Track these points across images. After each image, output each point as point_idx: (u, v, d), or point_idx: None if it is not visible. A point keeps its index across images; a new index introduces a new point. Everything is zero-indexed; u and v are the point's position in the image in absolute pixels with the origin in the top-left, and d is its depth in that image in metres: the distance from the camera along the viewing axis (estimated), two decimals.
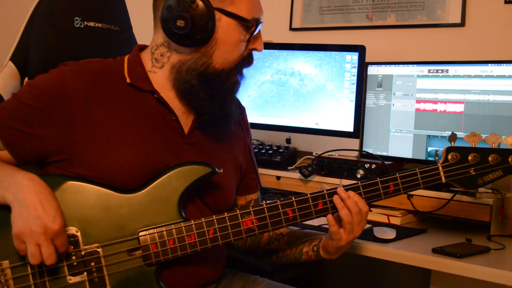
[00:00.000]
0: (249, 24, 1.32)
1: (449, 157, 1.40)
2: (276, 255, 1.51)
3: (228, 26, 1.31)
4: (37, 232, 1.16)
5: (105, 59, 1.40)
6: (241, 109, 1.56)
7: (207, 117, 1.36)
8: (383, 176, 1.38)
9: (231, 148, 1.48)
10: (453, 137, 1.42)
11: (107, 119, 1.30)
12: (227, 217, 1.30)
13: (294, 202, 1.33)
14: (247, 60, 1.37)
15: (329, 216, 1.34)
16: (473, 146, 1.41)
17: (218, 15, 1.30)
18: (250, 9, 1.32)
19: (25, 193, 1.18)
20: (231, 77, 1.35)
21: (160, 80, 1.37)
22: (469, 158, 1.40)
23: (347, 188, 1.35)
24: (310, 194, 1.34)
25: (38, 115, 1.28)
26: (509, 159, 1.40)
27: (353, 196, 1.33)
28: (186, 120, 1.38)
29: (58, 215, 1.19)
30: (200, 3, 1.28)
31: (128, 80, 1.35)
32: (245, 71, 1.38)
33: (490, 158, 1.40)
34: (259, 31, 1.36)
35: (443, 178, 1.39)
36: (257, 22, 1.34)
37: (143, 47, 1.43)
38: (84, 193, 1.26)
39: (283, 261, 1.51)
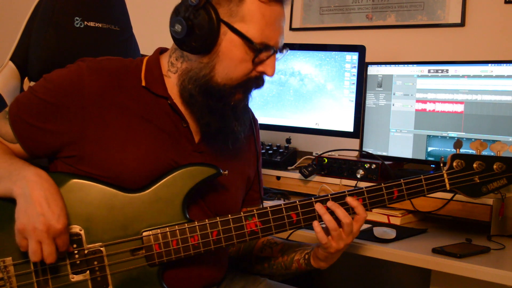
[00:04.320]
0: (254, 47, 1.26)
1: (454, 164, 1.39)
2: (268, 262, 1.50)
3: (232, 42, 1.26)
4: (40, 230, 1.16)
5: (125, 59, 1.40)
6: (255, 121, 1.55)
7: (205, 129, 1.34)
8: (388, 182, 1.37)
9: (241, 159, 1.47)
10: (458, 144, 1.41)
11: (118, 119, 1.30)
12: (231, 219, 1.30)
13: (298, 205, 1.33)
14: (254, 81, 1.31)
15: (315, 222, 1.32)
16: (478, 153, 1.41)
17: (224, 28, 1.26)
18: (262, 32, 1.26)
19: (32, 188, 1.18)
20: (234, 94, 1.31)
21: (173, 85, 1.36)
22: (474, 165, 1.39)
23: (351, 193, 1.35)
24: (315, 198, 1.34)
25: (52, 110, 1.28)
26: None
27: (337, 208, 1.31)
28: (197, 129, 1.37)
29: (63, 214, 1.19)
30: (203, 13, 1.24)
31: (143, 83, 1.35)
32: (253, 91, 1.34)
33: (495, 166, 1.40)
34: (272, 57, 1.30)
35: (447, 186, 1.39)
36: (267, 47, 1.27)
37: (164, 50, 1.41)
38: (88, 192, 1.27)
39: (273, 270, 1.50)
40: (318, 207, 1.32)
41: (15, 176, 1.21)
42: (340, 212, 1.31)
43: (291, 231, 1.66)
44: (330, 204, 1.32)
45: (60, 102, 1.28)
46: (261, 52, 1.27)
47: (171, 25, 1.29)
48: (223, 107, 1.32)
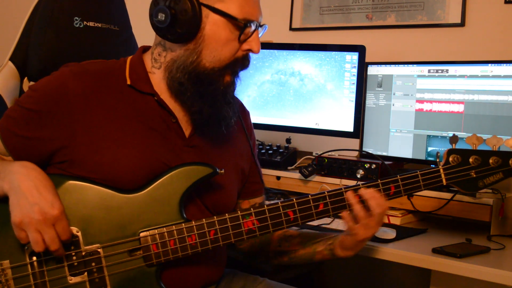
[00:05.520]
0: (239, 23, 1.28)
1: (450, 159, 1.39)
2: (288, 256, 1.50)
3: (216, 23, 1.28)
4: (36, 219, 1.16)
5: (107, 60, 1.40)
6: (245, 113, 1.55)
7: (197, 116, 1.34)
8: (384, 178, 1.37)
9: (233, 151, 1.47)
10: (454, 139, 1.42)
11: (107, 120, 1.30)
12: (228, 218, 1.30)
13: (295, 203, 1.33)
14: (241, 61, 1.33)
15: (344, 213, 1.33)
16: (474, 148, 1.41)
17: (205, 11, 1.28)
18: (242, 8, 1.28)
19: (20, 180, 1.19)
20: (223, 76, 1.32)
21: (158, 81, 1.36)
22: (470, 160, 1.39)
23: (347, 190, 1.34)
24: (311, 195, 1.34)
25: (39, 117, 1.28)
26: (510, 162, 1.39)
27: (378, 198, 1.32)
28: (186, 123, 1.38)
29: (56, 200, 1.19)
30: None
31: (128, 82, 1.35)
32: (241, 72, 1.35)
33: (491, 161, 1.40)
34: (256, 32, 1.33)
35: (444, 181, 1.39)
36: (250, 23, 1.30)
37: (147, 48, 1.42)
38: (85, 193, 1.26)
39: (294, 262, 1.50)
40: (350, 196, 1.33)
41: (2, 172, 1.22)
42: (374, 202, 1.31)
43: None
44: (363, 192, 1.32)
45: (45, 108, 1.28)
46: (246, 28, 1.29)
47: (153, 16, 1.29)
48: (214, 91, 1.32)
